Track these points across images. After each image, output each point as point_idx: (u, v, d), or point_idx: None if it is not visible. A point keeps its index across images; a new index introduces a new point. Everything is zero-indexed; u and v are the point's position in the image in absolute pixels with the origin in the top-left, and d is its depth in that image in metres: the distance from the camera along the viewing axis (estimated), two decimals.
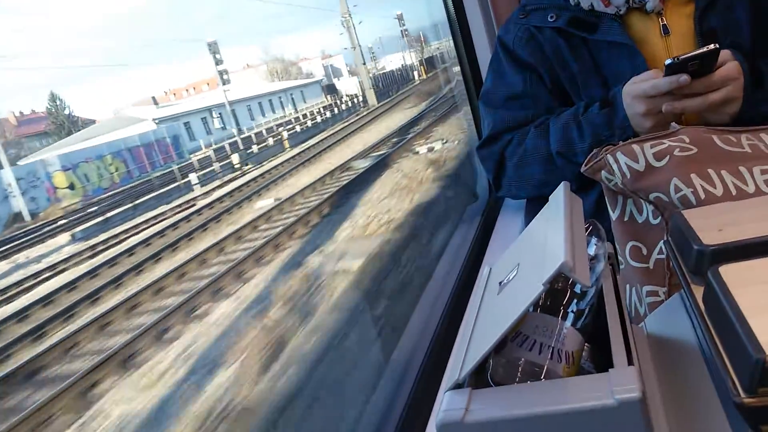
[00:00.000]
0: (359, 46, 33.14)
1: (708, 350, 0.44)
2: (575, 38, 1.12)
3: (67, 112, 44.45)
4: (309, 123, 28.89)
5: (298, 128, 27.32)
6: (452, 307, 1.27)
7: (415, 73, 46.99)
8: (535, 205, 1.25)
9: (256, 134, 29.07)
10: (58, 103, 44.30)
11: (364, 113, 26.64)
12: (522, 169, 1.16)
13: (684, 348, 0.54)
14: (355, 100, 37.36)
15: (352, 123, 22.55)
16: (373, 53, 58.95)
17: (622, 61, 1.08)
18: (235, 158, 20.14)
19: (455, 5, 1.74)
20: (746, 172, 0.73)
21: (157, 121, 31.17)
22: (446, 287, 1.39)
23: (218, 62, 34.10)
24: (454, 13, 1.77)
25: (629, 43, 1.06)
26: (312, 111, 35.75)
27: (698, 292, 0.49)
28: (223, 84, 33.97)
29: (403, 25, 48.93)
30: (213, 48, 33.77)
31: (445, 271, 1.61)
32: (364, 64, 33.68)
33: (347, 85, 50.46)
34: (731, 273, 0.45)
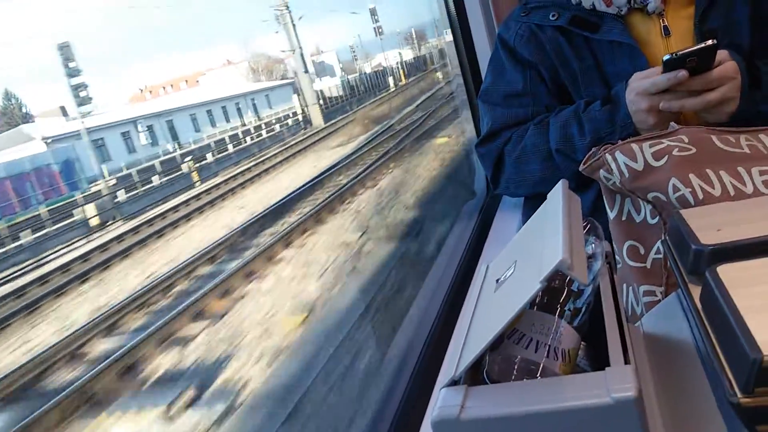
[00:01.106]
0: (300, 48, 25.65)
1: (705, 350, 0.44)
2: (577, 37, 1.12)
3: (24, 110, 40.37)
4: (247, 140, 23.39)
5: (230, 148, 22.09)
6: (449, 304, 1.27)
7: (392, 79, 38.46)
8: (533, 202, 1.25)
9: (159, 163, 21.80)
10: (13, 101, 40.51)
11: (298, 139, 20.08)
12: (521, 166, 1.16)
13: (680, 347, 0.54)
14: (290, 121, 29.03)
15: (265, 160, 16.80)
16: (354, 53, 55.09)
17: (623, 61, 1.08)
18: (90, 210, 13.90)
19: (455, 2, 1.74)
20: (745, 173, 0.73)
21: (48, 141, 22.78)
22: (443, 284, 1.39)
23: (72, 74, 22.35)
24: (454, 11, 1.77)
25: (631, 42, 1.06)
26: (249, 129, 28.18)
27: (695, 291, 0.49)
28: (80, 105, 22.24)
29: (377, 21, 42.93)
30: (65, 53, 22.36)
31: (442, 268, 1.60)
32: (306, 72, 26.44)
33: (326, 86, 42.37)
34: (729, 273, 0.45)
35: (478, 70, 1.76)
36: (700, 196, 0.72)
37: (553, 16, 1.14)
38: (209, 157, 20.43)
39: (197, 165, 18.53)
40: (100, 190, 17.58)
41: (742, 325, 0.38)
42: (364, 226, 7.91)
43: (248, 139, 24.65)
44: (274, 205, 9.98)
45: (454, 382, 0.47)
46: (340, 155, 13.88)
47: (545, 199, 0.62)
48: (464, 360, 0.48)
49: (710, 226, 0.54)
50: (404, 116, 18.31)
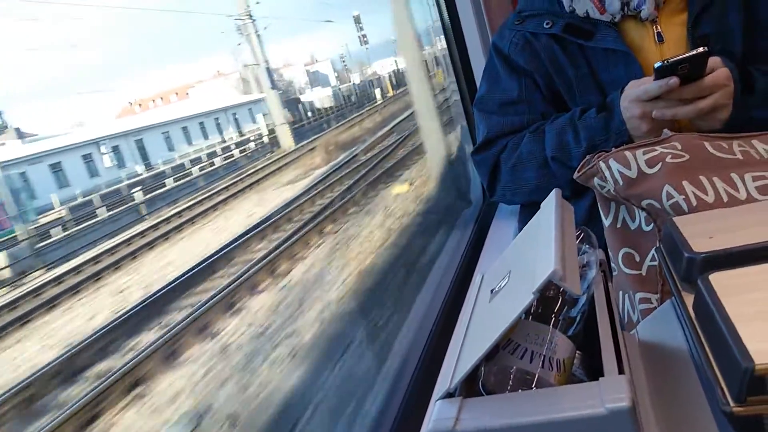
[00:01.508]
0: (266, 62, 21.93)
1: (698, 358, 0.44)
2: (571, 45, 1.12)
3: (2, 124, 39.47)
4: (194, 172, 19.12)
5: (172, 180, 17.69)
6: (445, 313, 1.27)
7: (379, 90, 34.50)
8: (529, 210, 1.25)
9: (99, 197, 17.25)
10: None
11: (258, 166, 16.30)
12: (517, 174, 1.16)
13: (675, 355, 0.54)
14: (254, 144, 24.59)
15: (204, 199, 12.94)
16: (344, 63, 52.50)
17: (618, 68, 1.08)
18: None
19: (449, 11, 1.75)
20: (738, 179, 0.73)
21: None
22: (439, 293, 1.39)
23: None
24: (448, 19, 1.78)
25: (625, 50, 1.07)
26: (212, 152, 23.91)
27: (689, 299, 0.49)
28: None
29: (361, 29, 38.94)
30: None
31: (439, 276, 1.60)
32: (273, 87, 22.25)
33: (317, 97, 39.63)
34: (721, 281, 0.45)
35: (472, 78, 1.77)
36: (694, 203, 0.72)
37: (547, 24, 1.15)
38: (139, 197, 15.83)
39: (130, 204, 14.74)
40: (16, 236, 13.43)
41: (734, 334, 0.38)
42: (204, 407, 4.33)
43: (196, 170, 20.18)
44: (147, 299, 6.82)
45: (449, 394, 0.47)
46: (283, 200, 10.62)
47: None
48: (459, 371, 0.48)
49: (703, 234, 0.54)
50: (375, 141, 15.16)
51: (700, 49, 0.88)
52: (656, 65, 0.89)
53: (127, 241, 10.55)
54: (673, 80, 0.89)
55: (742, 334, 0.38)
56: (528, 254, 0.53)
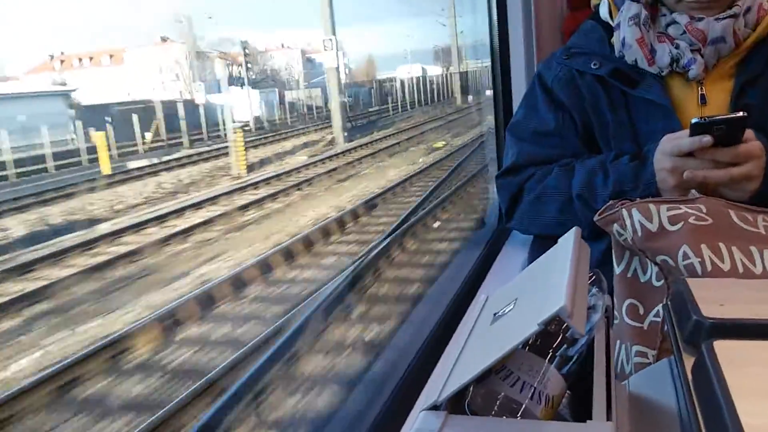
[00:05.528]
0: None
1: (688, 422, 0.43)
2: (615, 90, 1.12)
3: None
4: None
5: None
6: (441, 328, 1.27)
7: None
8: (541, 243, 1.25)
9: None
10: None
11: None
12: (539, 205, 1.16)
13: (663, 414, 0.53)
14: None
15: None
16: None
17: (657, 121, 1.08)
18: None
19: (500, 35, 1.75)
20: (756, 253, 0.73)
21: None
22: (439, 306, 1.38)
23: None
24: (497, 42, 1.78)
25: (667, 104, 1.07)
26: None
27: (689, 362, 0.49)
28: None
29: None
30: None
31: (440, 290, 1.60)
32: None
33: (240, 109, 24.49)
34: (725, 350, 0.45)
35: (510, 102, 1.77)
36: (709, 267, 0.72)
37: (594, 65, 1.15)
38: None
39: None
40: None
41: (731, 406, 0.38)
42: None
43: None
44: None
45: (435, 407, 0.47)
46: None
47: (555, 241, 0.62)
48: (449, 386, 0.48)
49: (714, 300, 0.54)
50: None
51: (739, 114, 0.88)
52: (693, 121, 0.89)
53: None
54: (707, 138, 0.89)
55: (738, 408, 0.37)
56: (538, 285, 0.53)
